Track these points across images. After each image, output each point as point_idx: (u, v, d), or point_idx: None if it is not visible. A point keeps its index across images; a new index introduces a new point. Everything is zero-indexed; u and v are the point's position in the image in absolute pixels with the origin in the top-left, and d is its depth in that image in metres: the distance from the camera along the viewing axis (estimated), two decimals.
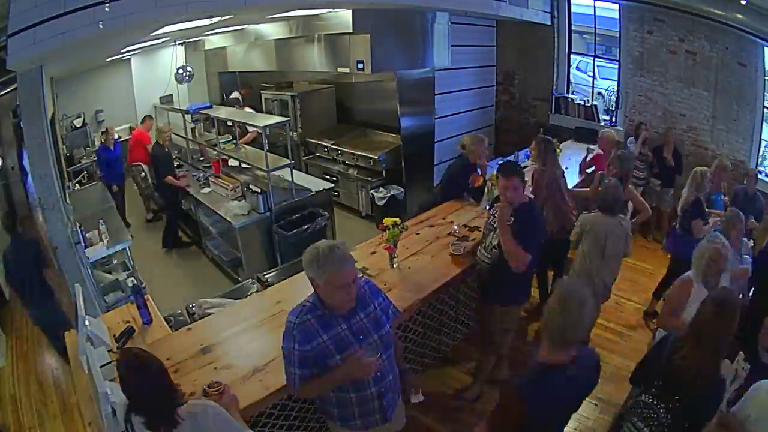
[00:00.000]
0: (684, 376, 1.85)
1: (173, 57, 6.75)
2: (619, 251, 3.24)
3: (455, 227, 3.60)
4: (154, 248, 5.73)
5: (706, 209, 3.92)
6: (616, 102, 6.34)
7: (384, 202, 5.95)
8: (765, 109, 4.95)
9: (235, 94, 7.47)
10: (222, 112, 5.68)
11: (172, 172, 5.51)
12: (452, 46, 6.02)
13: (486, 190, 4.06)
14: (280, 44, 6.34)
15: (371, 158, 6.10)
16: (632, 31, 5.84)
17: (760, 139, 5.07)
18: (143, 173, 6.36)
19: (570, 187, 4.12)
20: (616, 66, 6.21)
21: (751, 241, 3.82)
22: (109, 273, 4.53)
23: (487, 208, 4.01)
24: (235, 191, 4.94)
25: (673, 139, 5.24)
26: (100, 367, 1.99)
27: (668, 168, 5.15)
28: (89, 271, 3.90)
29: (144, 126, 6.74)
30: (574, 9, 6.52)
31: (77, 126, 7.17)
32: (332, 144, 6.55)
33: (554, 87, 6.93)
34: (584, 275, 3.22)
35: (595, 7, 6.29)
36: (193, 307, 3.03)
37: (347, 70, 5.45)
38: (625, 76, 6.09)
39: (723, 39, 5.01)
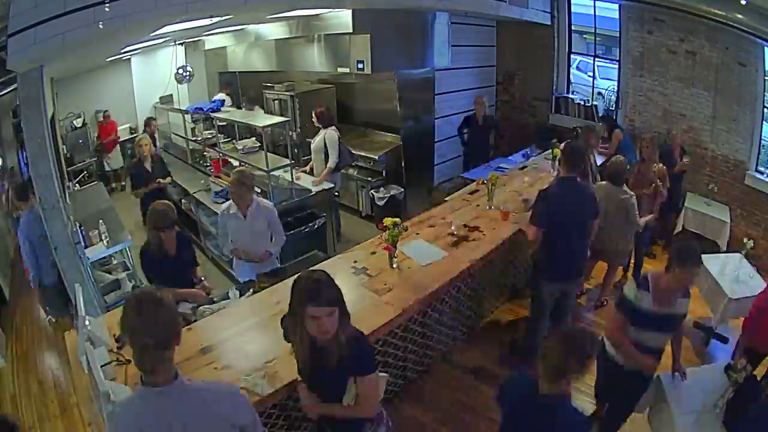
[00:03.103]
0: None
1: (173, 57, 6.75)
2: None
3: (453, 228, 3.60)
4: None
5: None
6: (616, 102, 6.34)
7: (384, 202, 5.95)
8: (765, 109, 4.94)
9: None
10: (222, 112, 5.68)
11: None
12: (452, 46, 6.03)
13: (487, 190, 4.07)
14: (280, 44, 6.34)
15: (371, 158, 6.10)
16: (632, 31, 5.84)
17: (760, 139, 5.07)
18: None
19: None
20: (616, 66, 6.20)
21: (751, 241, 3.82)
22: (109, 273, 4.53)
23: (490, 208, 4.03)
24: None
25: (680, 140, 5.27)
26: (101, 366, 1.99)
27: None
28: (89, 271, 3.90)
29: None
30: (574, 9, 6.52)
31: (77, 126, 7.18)
32: None
33: (554, 87, 6.92)
34: None
35: (595, 7, 6.28)
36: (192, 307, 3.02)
37: (347, 70, 5.44)
38: (625, 76, 6.09)
39: (723, 39, 5.01)
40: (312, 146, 5.37)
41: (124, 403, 1.55)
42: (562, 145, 3.54)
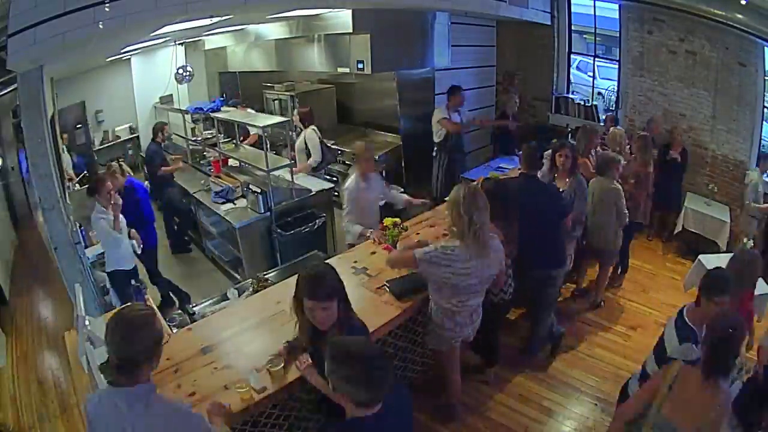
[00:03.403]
0: None
1: (173, 57, 6.74)
2: None
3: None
4: None
5: None
6: (616, 102, 6.34)
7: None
8: (765, 109, 4.95)
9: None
10: (222, 112, 5.68)
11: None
12: (452, 46, 6.03)
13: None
14: (280, 44, 6.33)
15: None
16: (632, 31, 5.84)
17: (760, 139, 5.07)
18: None
19: None
20: (616, 66, 6.21)
21: (750, 241, 3.82)
22: None
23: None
24: (236, 191, 4.94)
25: (680, 138, 5.35)
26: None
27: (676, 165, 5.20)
28: (89, 271, 3.90)
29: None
30: (574, 9, 6.51)
31: (77, 126, 7.17)
32: (332, 144, 6.54)
33: (554, 87, 6.93)
34: None
35: (595, 7, 6.28)
36: (193, 307, 3.03)
37: (347, 70, 5.44)
38: (625, 76, 6.09)
39: (723, 39, 5.01)
40: (296, 146, 5.45)
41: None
42: (523, 145, 3.57)
